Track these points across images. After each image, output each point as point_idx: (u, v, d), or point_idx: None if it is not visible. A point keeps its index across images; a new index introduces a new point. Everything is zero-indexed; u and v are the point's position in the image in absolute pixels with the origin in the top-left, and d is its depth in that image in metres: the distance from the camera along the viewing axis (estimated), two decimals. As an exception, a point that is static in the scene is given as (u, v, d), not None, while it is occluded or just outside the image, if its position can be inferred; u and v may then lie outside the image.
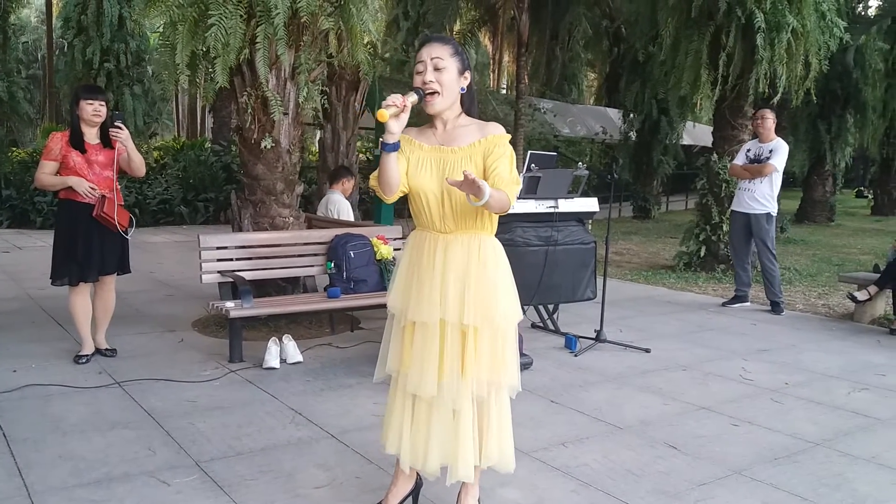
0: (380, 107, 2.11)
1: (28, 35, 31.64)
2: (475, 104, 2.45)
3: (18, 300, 6.35)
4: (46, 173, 4.31)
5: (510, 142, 2.38)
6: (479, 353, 2.33)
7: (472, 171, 2.10)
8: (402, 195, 2.37)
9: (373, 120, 11.35)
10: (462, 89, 2.34)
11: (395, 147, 2.23)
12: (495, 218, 2.39)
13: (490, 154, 2.30)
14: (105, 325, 4.67)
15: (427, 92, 2.27)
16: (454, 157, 2.32)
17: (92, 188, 4.27)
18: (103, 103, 4.37)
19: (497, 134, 2.34)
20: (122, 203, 4.49)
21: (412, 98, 2.22)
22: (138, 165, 4.48)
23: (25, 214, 12.36)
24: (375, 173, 2.33)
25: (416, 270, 2.37)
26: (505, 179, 2.26)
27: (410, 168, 2.33)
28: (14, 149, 14.28)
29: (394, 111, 2.15)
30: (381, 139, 2.24)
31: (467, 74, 2.35)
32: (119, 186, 4.48)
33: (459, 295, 2.30)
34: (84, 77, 13.79)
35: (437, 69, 2.28)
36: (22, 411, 3.61)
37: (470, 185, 2.08)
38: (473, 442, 2.37)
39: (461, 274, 2.32)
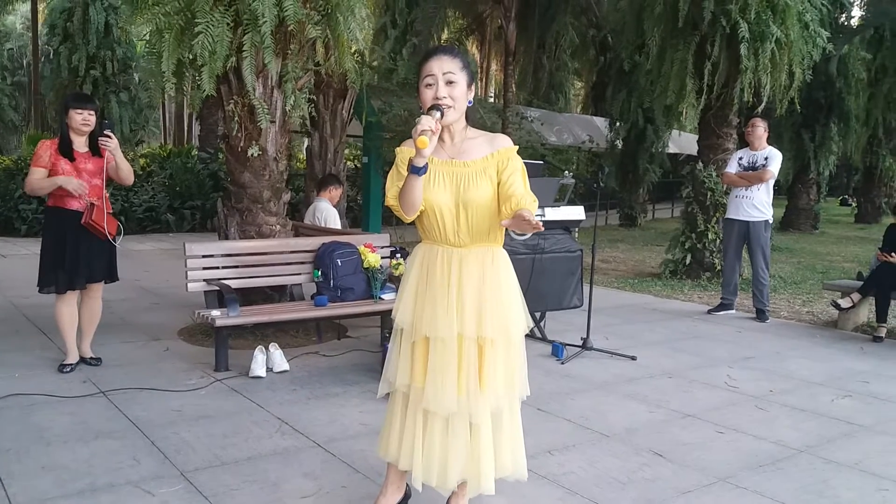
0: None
1: (13, 42, 31.41)
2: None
3: (2, 309, 6.28)
4: (36, 179, 4.28)
5: None
6: (496, 365, 2.34)
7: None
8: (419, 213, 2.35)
9: (360, 128, 11.37)
10: (469, 102, 2.34)
11: (426, 170, 2.21)
12: (503, 229, 2.40)
13: (504, 169, 2.31)
14: (91, 334, 4.64)
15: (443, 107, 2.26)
16: (467, 170, 2.32)
17: (81, 185, 4.23)
18: (92, 112, 4.35)
19: (508, 147, 2.36)
20: (111, 211, 4.47)
21: (437, 116, 2.20)
22: (126, 174, 4.47)
23: (10, 222, 12.25)
24: (393, 193, 2.31)
25: (428, 286, 2.36)
26: (527, 199, 2.26)
27: (423, 183, 2.28)
28: (-2, 156, 14.16)
29: (430, 135, 2.14)
30: (410, 161, 2.20)
31: (472, 87, 2.35)
32: (107, 194, 4.46)
33: (476, 308, 2.31)
34: (70, 84, 13.75)
35: (449, 83, 2.27)
36: (4, 421, 3.57)
37: (524, 224, 2.09)
38: (492, 454, 2.37)
39: (477, 287, 2.32)
